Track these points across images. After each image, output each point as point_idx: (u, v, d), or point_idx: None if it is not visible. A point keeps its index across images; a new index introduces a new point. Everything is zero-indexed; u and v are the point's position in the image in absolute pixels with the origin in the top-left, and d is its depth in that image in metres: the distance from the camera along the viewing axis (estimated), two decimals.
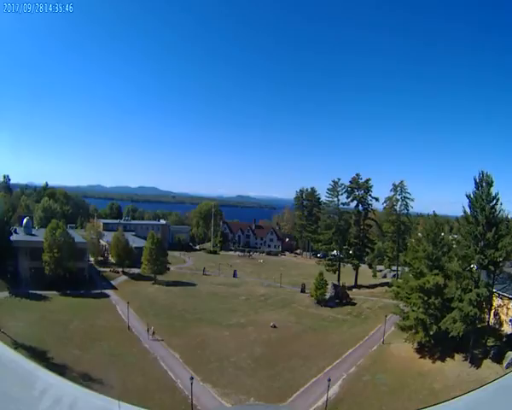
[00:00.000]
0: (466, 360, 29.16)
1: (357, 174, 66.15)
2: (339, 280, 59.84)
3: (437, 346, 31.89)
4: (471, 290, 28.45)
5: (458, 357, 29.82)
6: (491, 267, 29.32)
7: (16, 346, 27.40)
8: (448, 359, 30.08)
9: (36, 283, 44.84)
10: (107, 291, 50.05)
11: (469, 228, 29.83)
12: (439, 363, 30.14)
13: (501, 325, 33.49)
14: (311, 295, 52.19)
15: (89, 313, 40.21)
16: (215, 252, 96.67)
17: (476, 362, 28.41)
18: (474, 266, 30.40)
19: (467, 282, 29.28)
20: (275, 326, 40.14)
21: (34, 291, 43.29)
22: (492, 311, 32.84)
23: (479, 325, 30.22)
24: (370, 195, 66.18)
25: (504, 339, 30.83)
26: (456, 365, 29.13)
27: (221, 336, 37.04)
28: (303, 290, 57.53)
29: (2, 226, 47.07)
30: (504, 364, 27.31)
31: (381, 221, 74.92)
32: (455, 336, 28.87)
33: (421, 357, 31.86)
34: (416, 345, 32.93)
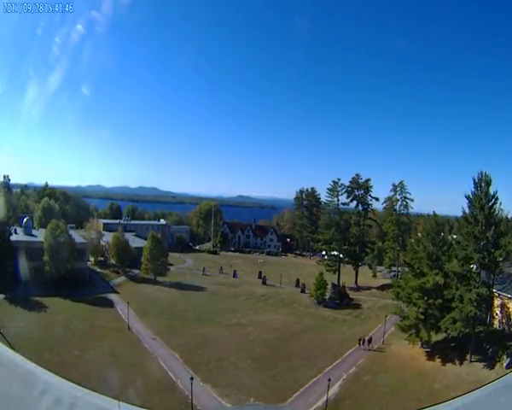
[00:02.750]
0: (467, 360, 29.11)
1: (357, 174, 66.39)
2: (339, 280, 59.84)
3: (437, 346, 31.89)
4: (471, 290, 28.47)
5: (459, 357, 29.74)
6: (492, 266, 29.35)
7: (15, 348, 27.31)
8: (449, 359, 30.04)
9: (35, 283, 44.66)
10: (107, 292, 49.97)
11: (469, 228, 29.89)
12: (439, 363, 30.13)
13: (502, 325, 33.49)
14: (311, 296, 52.20)
15: (89, 313, 40.20)
16: (215, 252, 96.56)
17: (477, 362, 28.37)
18: (473, 266, 30.44)
19: (467, 282, 29.29)
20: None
21: (33, 292, 42.84)
22: (494, 311, 32.85)
23: (480, 326, 30.20)
24: (370, 195, 66.37)
25: (505, 339, 30.80)
26: (456, 365, 29.08)
27: (221, 336, 37.01)
28: (303, 290, 57.54)
29: (1, 226, 47.00)
30: (504, 364, 27.31)
31: (381, 221, 74.93)
32: (455, 337, 28.87)
33: (421, 357, 31.83)
34: (416, 345, 32.91)
